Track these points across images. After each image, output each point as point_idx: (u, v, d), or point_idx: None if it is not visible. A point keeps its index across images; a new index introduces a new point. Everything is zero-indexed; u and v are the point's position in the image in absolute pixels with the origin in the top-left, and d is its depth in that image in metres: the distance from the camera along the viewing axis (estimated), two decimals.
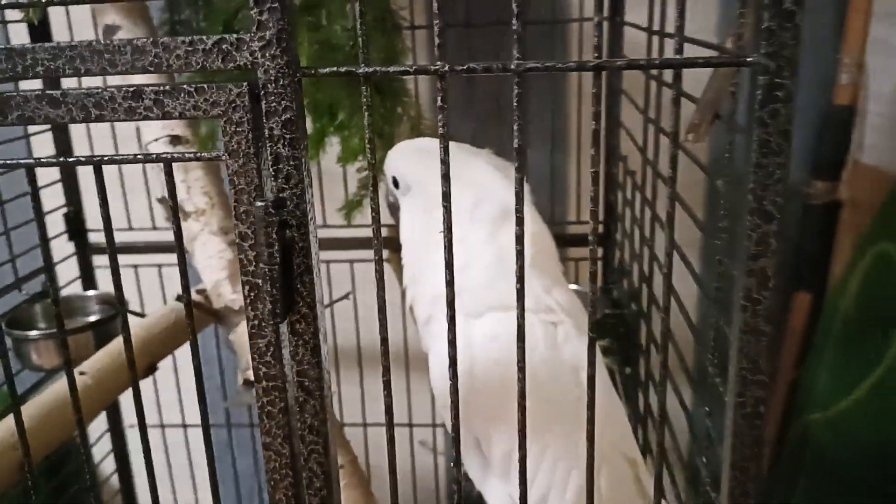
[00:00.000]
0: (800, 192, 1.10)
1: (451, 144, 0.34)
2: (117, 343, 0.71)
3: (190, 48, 0.31)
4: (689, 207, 0.54)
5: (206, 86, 0.31)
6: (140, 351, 0.72)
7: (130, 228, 0.99)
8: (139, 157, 0.36)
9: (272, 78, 0.31)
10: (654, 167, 0.67)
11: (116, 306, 0.68)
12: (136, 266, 0.98)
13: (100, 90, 0.32)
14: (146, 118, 0.33)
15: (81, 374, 0.65)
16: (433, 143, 0.59)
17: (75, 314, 0.88)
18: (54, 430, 0.60)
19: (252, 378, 0.64)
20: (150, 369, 0.73)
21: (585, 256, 0.99)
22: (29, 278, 0.88)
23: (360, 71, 0.33)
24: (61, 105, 0.33)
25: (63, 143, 0.95)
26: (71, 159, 0.37)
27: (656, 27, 0.67)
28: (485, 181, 0.54)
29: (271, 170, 0.32)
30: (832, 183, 1.07)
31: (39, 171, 0.98)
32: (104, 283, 1.03)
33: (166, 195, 0.67)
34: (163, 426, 1.15)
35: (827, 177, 1.08)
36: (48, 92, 0.33)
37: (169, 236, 1.00)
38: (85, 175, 0.99)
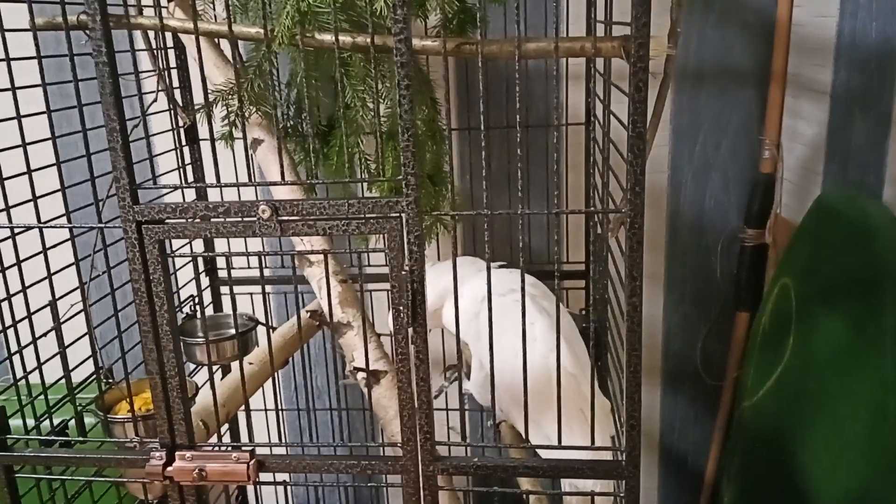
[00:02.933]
0: (737, 237, 1.48)
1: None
2: (265, 345, 1.09)
3: (374, 203, 0.70)
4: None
5: (385, 219, 0.70)
6: (279, 349, 1.11)
7: (248, 266, 1.39)
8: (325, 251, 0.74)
9: (411, 217, 0.69)
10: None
11: (257, 321, 1.06)
12: (251, 294, 1.38)
13: (335, 219, 0.71)
14: (347, 234, 0.71)
15: (250, 363, 1.04)
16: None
17: (222, 328, 1.27)
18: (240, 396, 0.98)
19: (356, 366, 1.02)
20: (285, 362, 1.11)
21: (572, 286, 1.38)
22: (185, 303, 1.27)
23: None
24: (312, 226, 0.72)
25: None
26: (293, 252, 0.76)
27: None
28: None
29: (407, 256, 0.71)
30: (760, 230, 1.45)
31: None
32: (227, 306, 1.43)
33: (299, 250, 1.05)
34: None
35: (756, 225, 1.45)
36: (307, 218, 0.71)
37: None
38: None
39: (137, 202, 0.73)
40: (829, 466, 1.09)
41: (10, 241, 0.88)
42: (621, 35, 0.68)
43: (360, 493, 1.72)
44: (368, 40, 0.79)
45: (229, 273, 1.18)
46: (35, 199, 0.88)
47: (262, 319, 1.33)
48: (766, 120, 1.40)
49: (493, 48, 0.75)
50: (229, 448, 0.80)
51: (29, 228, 0.87)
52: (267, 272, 1.51)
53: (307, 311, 1.17)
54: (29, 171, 0.87)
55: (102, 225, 0.82)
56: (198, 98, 1.30)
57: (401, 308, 0.72)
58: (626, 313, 0.71)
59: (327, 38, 0.84)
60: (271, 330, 1.17)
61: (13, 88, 0.87)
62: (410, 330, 0.73)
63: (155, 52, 1.17)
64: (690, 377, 1.58)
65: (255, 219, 0.71)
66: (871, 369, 1.02)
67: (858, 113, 1.15)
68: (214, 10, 1.07)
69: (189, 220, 0.73)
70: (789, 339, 1.21)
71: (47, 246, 0.91)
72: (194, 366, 1.27)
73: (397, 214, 0.70)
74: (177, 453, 0.79)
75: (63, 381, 0.96)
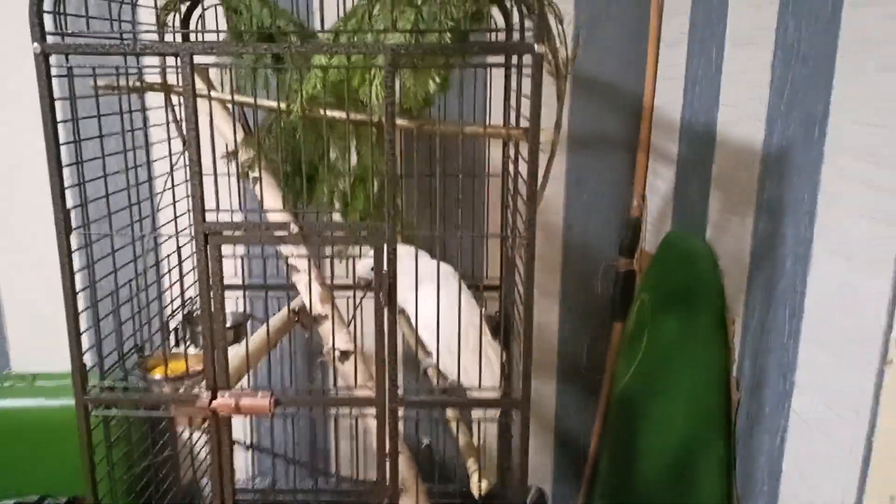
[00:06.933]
0: (613, 265, 1.93)
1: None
2: (259, 333, 1.44)
3: (367, 226, 1.09)
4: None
5: (374, 236, 1.09)
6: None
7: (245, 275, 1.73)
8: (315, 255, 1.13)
9: (389, 235, 1.09)
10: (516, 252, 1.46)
11: (248, 316, 1.42)
12: (236, 297, 1.72)
13: (332, 234, 1.09)
14: (348, 244, 1.10)
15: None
16: None
17: None
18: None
19: (334, 346, 1.39)
20: (275, 345, 1.47)
21: (490, 297, 1.79)
22: (188, 303, 1.61)
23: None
24: (327, 238, 1.10)
25: None
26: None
27: None
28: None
29: (387, 260, 1.10)
30: (630, 260, 1.90)
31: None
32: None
33: (290, 262, 1.42)
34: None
35: (627, 256, 1.90)
36: (323, 233, 1.09)
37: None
38: None
39: (205, 220, 1.10)
40: (665, 427, 1.53)
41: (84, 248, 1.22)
42: (524, 126, 1.10)
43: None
44: (359, 116, 1.20)
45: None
46: (109, 214, 1.23)
47: (251, 317, 1.69)
48: (634, 177, 1.87)
49: (444, 128, 1.17)
50: (255, 390, 1.16)
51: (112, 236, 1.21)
52: (256, 280, 1.85)
53: (289, 309, 1.53)
54: (107, 195, 1.22)
55: (179, 233, 1.17)
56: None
57: (381, 295, 1.11)
58: (523, 299, 1.12)
59: (330, 113, 1.23)
60: (262, 323, 1.53)
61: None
62: (386, 309, 1.12)
63: (175, 108, 1.53)
64: (578, 373, 2.01)
65: (286, 232, 1.09)
66: (692, 356, 1.47)
67: (692, 175, 1.63)
68: (222, 78, 1.44)
69: (240, 233, 1.10)
70: (644, 338, 1.66)
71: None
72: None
73: (382, 233, 1.09)
74: (217, 392, 1.15)
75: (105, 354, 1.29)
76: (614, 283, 1.93)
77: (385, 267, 1.10)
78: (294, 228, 1.08)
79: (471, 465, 1.21)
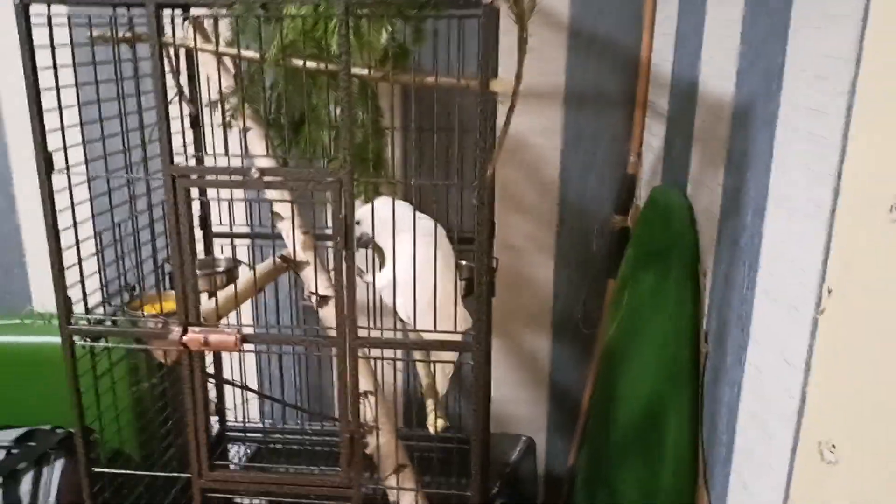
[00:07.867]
0: (609, 221, 1.94)
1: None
2: (248, 276, 1.51)
3: (325, 172, 1.13)
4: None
5: (331, 182, 1.14)
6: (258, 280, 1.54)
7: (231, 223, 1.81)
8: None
9: (346, 181, 1.13)
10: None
11: (239, 262, 1.49)
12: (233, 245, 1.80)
13: (300, 180, 1.14)
14: (307, 190, 1.15)
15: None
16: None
17: (213, 266, 1.69)
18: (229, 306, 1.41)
19: (314, 291, 1.46)
20: (262, 289, 1.54)
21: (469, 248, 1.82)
22: None
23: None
24: (285, 183, 1.15)
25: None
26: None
27: None
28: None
29: (344, 205, 1.15)
30: (625, 217, 1.91)
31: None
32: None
33: (274, 209, 1.48)
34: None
35: (622, 213, 1.91)
36: (281, 179, 1.15)
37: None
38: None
39: (173, 162, 1.16)
40: (639, 379, 1.56)
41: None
42: (477, 77, 1.12)
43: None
44: (326, 66, 1.23)
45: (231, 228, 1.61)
46: (105, 156, 1.31)
47: (242, 263, 1.77)
48: (631, 134, 1.86)
49: (401, 78, 1.19)
50: (224, 326, 1.23)
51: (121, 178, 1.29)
52: (248, 229, 1.93)
53: (278, 256, 1.60)
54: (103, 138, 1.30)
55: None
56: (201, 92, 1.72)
57: (339, 238, 1.16)
58: (477, 247, 1.15)
59: (300, 63, 1.27)
60: (250, 268, 1.61)
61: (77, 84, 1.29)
62: (344, 252, 1.17)
63: (172, 58, 1.59)
64: (572, 329, 2.04)
65: (248, 178, 1.15)
66: (665, 309, 1.48)
67: (678, 131, 1.62)
68: (217, 30, 1.50)
69: (206, 176, 1.16)
70: (626, 292, 1.67)
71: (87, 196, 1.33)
72: None
73: (338, 178, 1.14)
74: (189, 328, 1.22)
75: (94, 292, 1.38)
76: (609, 240, 1.94)
77: (343, 209, 1.15)
78: (255, 174, 1.14)
79: (429, 405, 1.26)
